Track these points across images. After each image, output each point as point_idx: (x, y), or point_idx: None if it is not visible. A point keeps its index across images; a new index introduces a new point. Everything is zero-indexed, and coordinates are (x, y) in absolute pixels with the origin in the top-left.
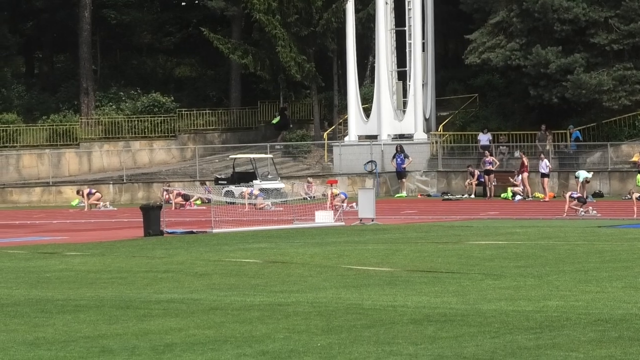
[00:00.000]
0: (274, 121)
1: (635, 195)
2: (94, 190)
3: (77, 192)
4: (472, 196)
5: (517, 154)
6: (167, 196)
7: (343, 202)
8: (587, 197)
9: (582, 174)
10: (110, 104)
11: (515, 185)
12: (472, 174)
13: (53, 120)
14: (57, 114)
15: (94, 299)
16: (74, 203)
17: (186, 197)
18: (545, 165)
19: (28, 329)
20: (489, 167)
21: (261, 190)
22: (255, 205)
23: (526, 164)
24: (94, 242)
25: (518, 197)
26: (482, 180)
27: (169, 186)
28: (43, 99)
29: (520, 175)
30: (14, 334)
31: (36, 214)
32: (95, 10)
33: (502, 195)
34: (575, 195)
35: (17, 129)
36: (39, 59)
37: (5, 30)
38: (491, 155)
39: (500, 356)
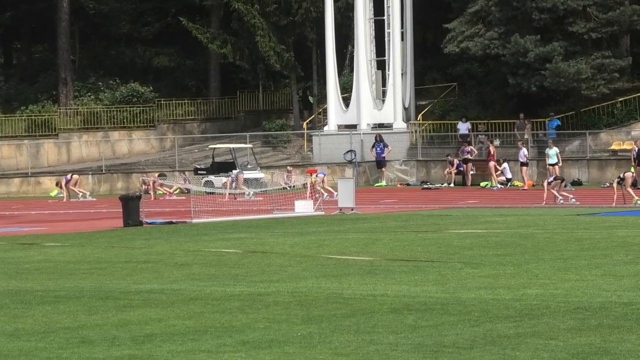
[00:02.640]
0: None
1: (615, 182)
2: (69, 176)
3: (57, 185)
4: (452, 185)
5: (482, 139)
6: (145, 187)
7: (322, 181)
8: (563, 182)
9: (552, 152)
10: (89, 94)
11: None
12: (452, 163)
13: (31, 111)
14: (35, 105)
15: (74, 289)
16: (52, 194)
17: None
18: (523, 154)
19: (7, 320)
20: (468, 156)
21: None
22: (235, 195)
23: (492, 152)
24: (73, 233)
25: (498, 186)
26: (462, 169)
27: (147, 176)
28: (21, 89)
29: (489, 164)
30: None
31: (15, 205)
32: (73, 0)
33: (481, 184)
34: (550, 180)
35: None
36: (17, 49)
37: None
38: (470, 144)
39: (480, 344)
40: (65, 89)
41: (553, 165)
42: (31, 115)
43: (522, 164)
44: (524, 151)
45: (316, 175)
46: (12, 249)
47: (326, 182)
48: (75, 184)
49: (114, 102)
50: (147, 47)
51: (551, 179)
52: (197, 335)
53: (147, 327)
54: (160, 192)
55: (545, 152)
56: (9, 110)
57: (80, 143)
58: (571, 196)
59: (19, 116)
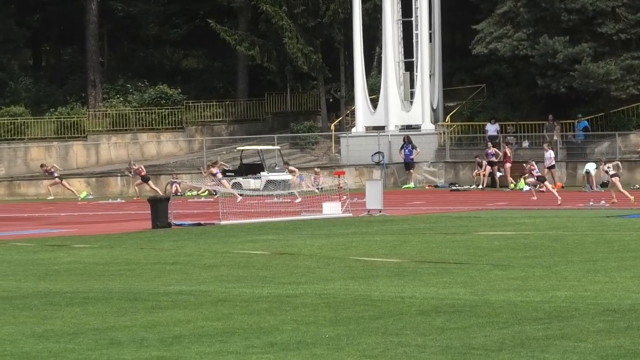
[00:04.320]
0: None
1: None
2: (52, 170)
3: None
4: (480, 187)
5: (510, 140)
6: (174, 188)
7: (300, 184)
8: (599, 185)
9: (591, 166)
10: (118, 96)
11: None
12: (480, 165)
13: (60, 113)
14: (64, 107)
15: (103, 291)
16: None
17: (145, 179)
18: (549, 156)
19: (37, 321)
20: (492, 158)
21: (269, 182)
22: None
23: (509, 154)
24: (102, 235)
25: (527, 188)
26: (492, 170)
27: (175, 178)
28: (50, 91)
29: (504, 166)
30: (23, 326)
31: (44, 207)
32: (102, 2)
33: (511, 185)
34: (535, 174)
35: (24, 122)
36: (46, 51)
37: (11, 23)
38: (494, 146)
39: (509, 347)
40: (94, 91)
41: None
42: (60, 117)
43: (550, 167)
44: (550, 153)
45: (298, 178)
46: (41, 251)
47: (305, 185)
48: (52, 177)
49: (143, 104)
50: (175, 49)
51: (536, 173)
52: (225, 336)
53: (175, 329)
54: (189, 193)
55: (585, 170)
56: (38, 112)
57: (109, 145)
58: (603, 200)
59: (48, 118)
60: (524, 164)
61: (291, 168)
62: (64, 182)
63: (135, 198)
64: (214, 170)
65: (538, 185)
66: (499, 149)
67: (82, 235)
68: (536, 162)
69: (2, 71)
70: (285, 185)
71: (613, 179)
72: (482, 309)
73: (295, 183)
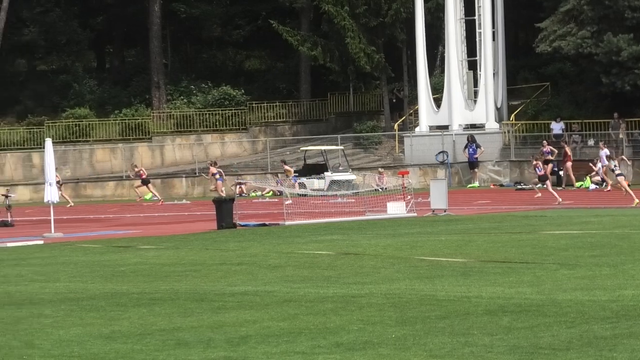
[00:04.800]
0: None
1: None
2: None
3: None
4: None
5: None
6: (239, 189)
7: (294, 186)
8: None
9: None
10: (182, 97)
11: (595, 174)
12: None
13: (125, 115)
14: (129, 108)
15: (169, 291)
16: (147, 197)
17: (145, 182)
18: (604, 154)
19: (104, 322)
20: (548, 156)
21: (332, 182)
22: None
23: (569, 153)
24: (167, 235)
25: (593, 186)
26: (556, 169)
27: (240, 179)
28: (115, 93)
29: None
30: (90, 327)
31: (110, 208)
32: (165, 4)
33: (576, 184)
34: (538, 172)
35: (89, 124)
36: (110, 53)
37: (75, 25)
38: (549, 144)
39: (577, 346)
40: (158, 93)
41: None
42: (125, 119)
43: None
44: (605, 152)
45: (292, 179)
46: (108, 252)
47: (297, 186)
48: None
49: (206, 105)
50: (238, 50)
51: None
52: (292, 336)
53: (241, 329)
54: (254, 194)
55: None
56: (103, 114)
57: (174, 146)
58: None
59: (113, 120)
60: (589, 163)
61: (287, 167)
62: (149, 185)
63: (137, 199)
64: (214, 170)
65: (544, 186)
66: (557, 147)
67: (148, 237)
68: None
69: (67, 73)
70: (349, 185)
71: (619, 177)
72: (549, 309)
73: (288, 183)
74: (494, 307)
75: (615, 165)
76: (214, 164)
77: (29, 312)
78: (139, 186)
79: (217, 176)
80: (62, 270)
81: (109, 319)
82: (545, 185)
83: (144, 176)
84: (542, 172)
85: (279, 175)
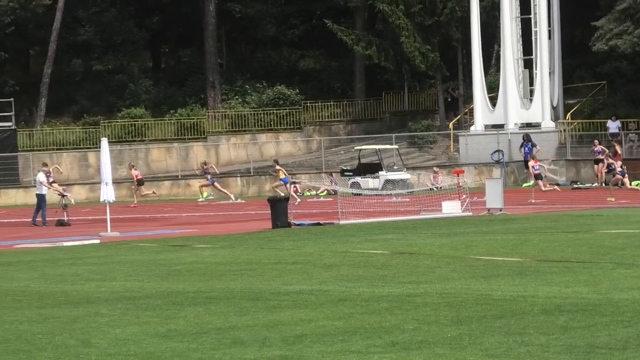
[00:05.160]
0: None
1: None
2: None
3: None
4: (604, 185)
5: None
6: (294, 188)
7: (289, 186)
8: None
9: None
10: (237, 97)
11: None
12: (597, 162)
13: (180, 114)
14: (184, 108)
15: (224, 290)
16: (203, 196)
17: (140, 183)
18: None
19: (160, 321)
20: (599, 155)
21: (387, 181)
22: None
23: (619, 152)
24: (222, 235)
25: None
26: (612, 167)
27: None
28: (170, 93)
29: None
30: (146, 326)
31: (165, 207)
32: (220, 3)
33: (633, 183)
34: (534, 171)
35: (145, 123)
36: (165, 53)
37: (131, 25)
38: (600, 144)
39: (633, 345)
40: (213, 92)
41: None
42: (180, 119)
43: None
44: None
45: (282, 180)
46: (164, 251)
47: (292, 188)
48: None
49: (261, 104)
50: (292, 49)
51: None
52: (347, 336)
53: (297, 328)
54: (308, 193)
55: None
56: (158, 114)
57: (229, 145)
58: None
59: (169, 120)
60: None
61: (277, 167)
62: (216, 184)
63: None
64: (135, 171)
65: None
66: (608, 147)
67: (203, 236)
68: None
69: (122, 73)
70: (403, 184)
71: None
72: (606, 308)
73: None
74: (551, 306)
75: (622, 166)
76: (205, 163)
77: (86, 311)
78: (205, 185)
79: (208, 176)
80: (118, 269)
81: (165, 317)
82: (537, 185)
83: (139, 177)
84: (538, 171)
85: (333, 174)
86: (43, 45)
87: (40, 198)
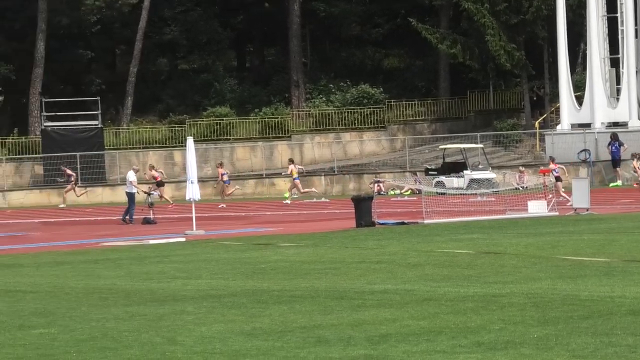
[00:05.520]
0: None
1: None
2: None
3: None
4: None
5: None
6: (377, 187)
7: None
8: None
9: None
10: (321, 96)
11: None
12: None
13: (265, 113)
14: (268, 107)
15: (309, 289)
16: (286, 195)
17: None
18: None
19: (245, 319)
20: None
21: (472, 180)
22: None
23: None
24: (307, 233)
25: None
26: None
27: (378, 177)
28: (255, 92)
29: None
30: (232, 324)
31: (250, 206)
32: (304, 3)
33: None
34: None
35: (230, 122)
36: (250, 52)
37: (216, 24)
38: None
39: None
40: (297, 91)
41: None
42: (264, 118)
43: None
44: None
45: (295, 179)
46: (249, 250)
47: (299, 185)
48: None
49: (345, 103)
50: (377, 48)
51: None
52: (432, 335)
53: (381, 327)
54: (392, 192)
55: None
56: (243, 113)
57: (313, 144)
58: None
59: (253, 118)
60: None
61: (292, 167)
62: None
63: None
64: (222, 170)
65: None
66: None
67: (288, 234)
68: None
69: (208, 72)
70: (489, 183)
71: None
72: None
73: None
74: (638, 307)
75: None
76: (221, 164)
77: (172, 309)
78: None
79: (225, 177)
80: (203, 267)
81: (250, 316)
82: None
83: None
84: (558, 173)
85: (417, 173)
86: (129, 44)
87: (130, 197)
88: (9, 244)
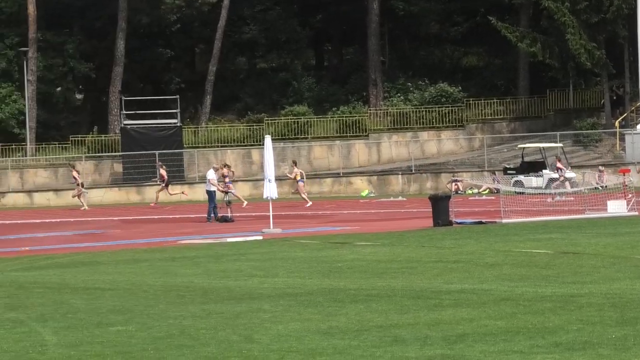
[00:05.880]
0: None
1: None
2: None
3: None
4: None
5: None
6: (455, 186)
7: (299, 189)
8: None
9: None
10: (398, 94)
11: None
12: None
13: (342, 112)
14: (346, 106)
15: (385, 288)
16: (363, 193)
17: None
18: None
19: (321, 318)
20: None
21: (551, 180)
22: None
23: None
24: (383, 232)
25: None
26: None
27: (456, 176)
28: (332, 91)
29: None
30: (308, 322)
31: (327, 204)
32: (383, 1)
33: None
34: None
35: (307, 121)
36: (328, 51)
37: (295, 23)
38: None
39: None
40: (375, 90)
41: None
42: (342, 117)
43: None
44: None
45: (297, 181)
46: (325, 248)
47: (302, 189)
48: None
49: (423, 102)
50: (455, 46)
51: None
52: (509, 335)
53: (458, 327)
54: (470, 191)
55: None
56: (321, 112)
57: (390, 143)
58: None
59: (331, 117)
60: None
61: (296, 170)
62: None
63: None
64: (225, 171)
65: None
66: None
67: (364, 233)
68: None
69: (286, 71)
70: (569, 183)
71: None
72: None
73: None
74: None
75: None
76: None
77: (248, 307)
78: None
79: (227, 179)
80: (280, 265)
81: (326, 314)
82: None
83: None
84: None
85: (496, 172)
86: (208, 43)
87: (209, 195)
88: (87, 242)
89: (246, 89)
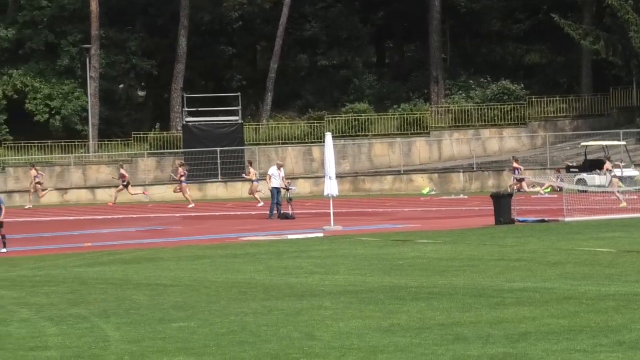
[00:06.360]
0: None
1: None
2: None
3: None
4: None
5: None
6: (517, 184)
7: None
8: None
9: None
10: (460, 92)
11: None
12: None
13: (403, 109)
14: (407, 103)
15: (447, 286)
16: (424, 191)
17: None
18: None
19: (382, 315)
20: None
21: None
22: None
23: None
24: (445, 230)
25: None
26: None
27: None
28: (394, 88)
29: None
30: (369, 320)
31: (388, 202)
32: None
33: None
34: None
35: (368, 118)
36: (390, 48)
37: (356, 20)
38: None
39: None
40: (437, 87)
41: None
42: (403, 114)
43: None
44: None
45: (252, 182)
46: (386, 246)
47: (256, 189)
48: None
49: (485, 99)
50: (518, 44)
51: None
52: (572, 334)
53: (521, 326)
54: (532, 189)
55: None
56: (381, 109)
57: (451, 141)
58: None
59: (391, 114)
60: None
61: (250, 169)
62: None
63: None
64: (182, 171)
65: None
66: None
67: (426, 231)
68: None
69: (347, 68)
70: (631, 181)
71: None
72: None
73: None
74: None
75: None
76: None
77: (309, 304)
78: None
79: (183, 178)
80: (341, 262)
81: (387, 312)
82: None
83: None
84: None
85: (560, 171)
86: (269, 40)
87: (272, 192)
88: (150, 238)
89: (307, 86)
